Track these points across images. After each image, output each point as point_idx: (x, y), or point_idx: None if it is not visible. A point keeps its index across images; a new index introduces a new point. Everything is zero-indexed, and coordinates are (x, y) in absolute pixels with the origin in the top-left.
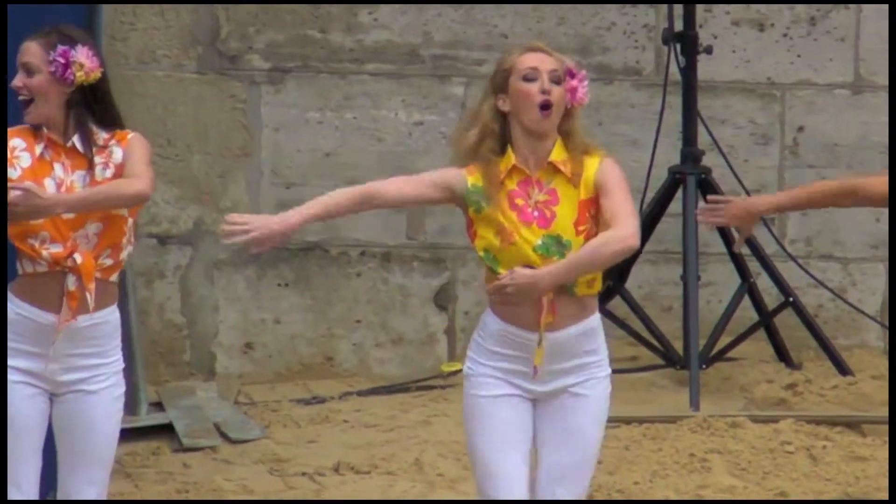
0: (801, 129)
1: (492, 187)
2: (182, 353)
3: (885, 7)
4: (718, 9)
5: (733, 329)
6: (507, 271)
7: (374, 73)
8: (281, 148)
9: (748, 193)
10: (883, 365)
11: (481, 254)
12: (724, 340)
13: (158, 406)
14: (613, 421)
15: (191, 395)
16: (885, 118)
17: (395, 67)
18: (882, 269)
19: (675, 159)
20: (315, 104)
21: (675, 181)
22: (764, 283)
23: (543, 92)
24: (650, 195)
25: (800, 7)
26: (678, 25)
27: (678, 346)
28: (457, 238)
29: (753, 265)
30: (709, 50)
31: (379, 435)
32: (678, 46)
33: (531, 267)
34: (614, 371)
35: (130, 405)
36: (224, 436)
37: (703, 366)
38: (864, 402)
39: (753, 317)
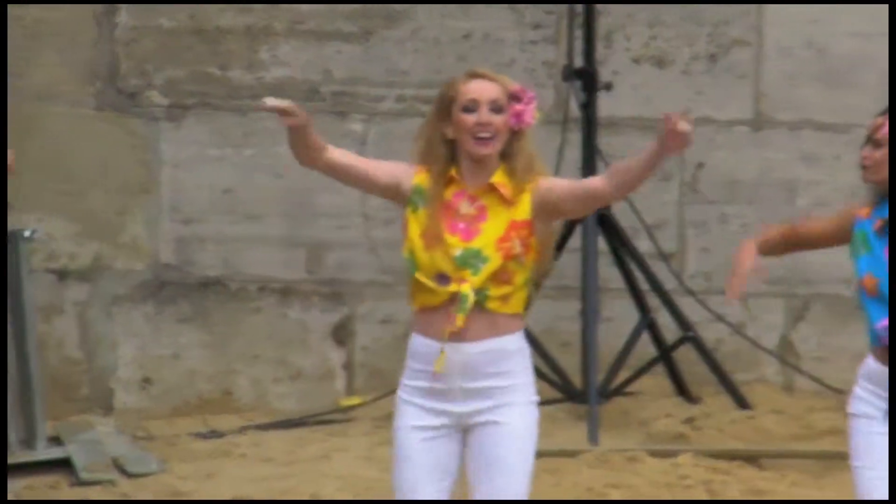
0: (700, 165)
1: (433, 191)
2: (80, 388)
3: (786, 42)
4: (618, 45)
5: (633, 364)
6: (426, 275)
7: None
8: (180, 184)
9: (648, 229)
10: (781, 399)
11: (405, 254)
12: (623, 375)
13: (56, 441)
14: None
15: (89, 429)
16: (785, 154)
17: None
18: (780, 305)
19: None
20: (215, 141)
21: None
22: (663, 318)
23: (481, 124)
24: None
25: (700, 45)
26: (578, 62)
27: (577, 380)
28: (356, 273)
29: (653, 300)
30: (609, 86)
31: (277, 469)
32: (578, 83)
33: (444, 276)
34: None
35: (28, 440)
36: (122, 470)
37: (603, 400)
38: (763, 437)
39: (653, 351)
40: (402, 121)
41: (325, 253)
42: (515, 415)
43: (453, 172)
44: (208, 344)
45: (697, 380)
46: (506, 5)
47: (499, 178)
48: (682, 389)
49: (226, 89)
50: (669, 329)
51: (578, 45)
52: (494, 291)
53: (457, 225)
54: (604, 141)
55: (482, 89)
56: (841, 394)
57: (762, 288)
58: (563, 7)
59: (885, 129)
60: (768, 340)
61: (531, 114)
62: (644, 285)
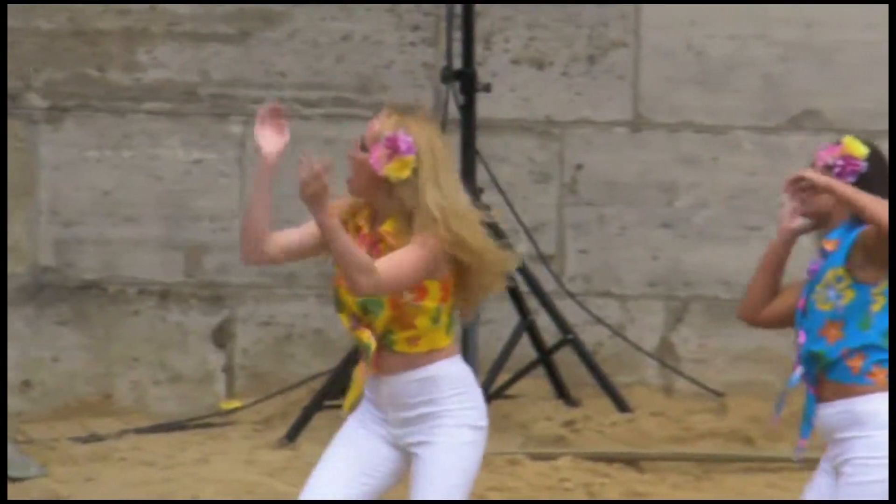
0: (579, 166)
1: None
2: None
3: (665, 44)
4: (497, 47)
5: (513, 366)
6: (345, 315)
7: (153, 111)
8: (60, 187)
9: (527, 231)
10: (661, 402)
11: (331, 292)
12: (503, 378)
13: None
14: None
15: None
16: (664, 156)
17: (174, 106)
18: (659, 307)
19: None
20: (94, 143)
21: None
22: (543, 320)
23: (349, 155)
24: None
25: (578, 46)
26: (457, 64)
27: None
28: (235, 276)
29: (532, 302)
30: (488, 88)
31: (157, 473)
32: (457, 85)
33: (357, 318)
34: None
35: None
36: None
37: None
38: (643, 439)
39: (533, 354)
40: None
41: (205, 255)
42: (444, 434)
43: (360, 219)
44: (88, 347)
45: (577, 382)
46: (385, 7)
47: (388, 225)
48: (562, 392)
49: (104, 91)
50: (549, 331)
51: (457, 46)
52: (399, 335)
53: None
54: (483, 142)
55: (369, 125)
56: (720, 396)
57: (642, 290)
58: (442, 9)
59: (821, 160)
60: (648, 343)
61: (378, 160)
62: (524, 287)
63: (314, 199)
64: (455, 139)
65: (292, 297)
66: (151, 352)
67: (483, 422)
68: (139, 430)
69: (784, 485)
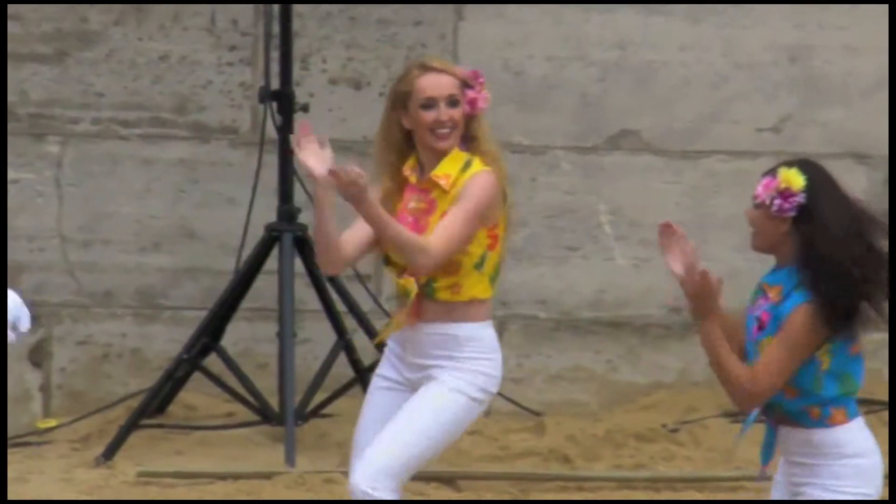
0: None
1: (391, 189)
2: None
3: (483, 64)
4: (315, 67)
5: (330, 385)
6: (393, 269)
7: None
8: None
9: None
10: (479, 421)
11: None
12: (320, 397)
13: None
14: (207, 476)
15: None
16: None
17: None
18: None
19: (273, 217)
20: None
21: (271, 238)
22: (361, 339)
23: (441, 121)
24: (246, 253)
25: (396, 67)
26: (275, 84)
27: (274, 402)
28: (52, 295)
29: (350, 322)
30: (305, 108)
31: None
32: (275, 105)
33: (403, 269)
34: (209, 427)
35: None
36: None
37: (299, 422)
38: (460, 458)
39: (350, 373)
40: (99, 143)
41: (22, 275)
42: (445, 375)
43: (406, 169)
44: None
45: None
46: (202, 27)
47: (442, 169)
48: None
49: None
50: (366, 351)
51: (275, 66)
52: (441, 282)
53: (406, 219)
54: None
55: (438, 85)
56: (538, 415)
57: None
58: (260, 29)
59: (758, 197)
60: None
61: (484, 98)
62: (341, 307)
63: (356, 199)
64: (273, 159)
65: (109, 317)
66: None
67: (488, 390)
68: None
69: None
